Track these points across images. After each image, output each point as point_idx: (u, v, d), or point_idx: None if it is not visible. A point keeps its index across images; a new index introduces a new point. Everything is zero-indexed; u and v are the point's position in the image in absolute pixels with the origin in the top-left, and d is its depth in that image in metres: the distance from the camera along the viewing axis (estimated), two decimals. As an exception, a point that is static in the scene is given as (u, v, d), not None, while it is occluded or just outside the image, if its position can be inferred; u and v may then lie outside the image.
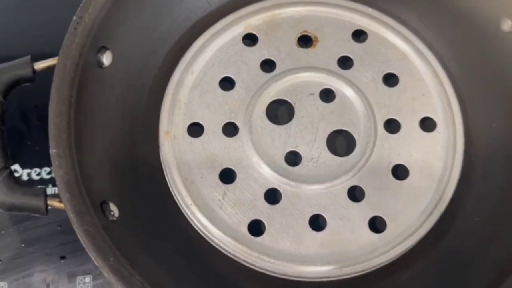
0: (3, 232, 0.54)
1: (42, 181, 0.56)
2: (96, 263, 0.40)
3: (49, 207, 0.43)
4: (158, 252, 0.46)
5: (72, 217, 0.40)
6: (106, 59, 0.48)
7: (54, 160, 0.41)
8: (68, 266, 0.53)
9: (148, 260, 0.44)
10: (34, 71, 0.45)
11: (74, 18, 0.45)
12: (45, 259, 0.53)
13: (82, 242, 0.40)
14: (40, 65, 0.45)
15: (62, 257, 0.53)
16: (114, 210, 0.45)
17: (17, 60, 0.45)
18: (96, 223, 0.41)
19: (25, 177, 0.56)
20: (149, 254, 0.45)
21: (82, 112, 0.44)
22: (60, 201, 0.42)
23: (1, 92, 0.44)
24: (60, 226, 0.54)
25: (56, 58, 0.45)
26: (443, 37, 0.54)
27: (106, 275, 0.39)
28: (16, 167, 0.56)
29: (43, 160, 0.56)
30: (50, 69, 0.45)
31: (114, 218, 0.45)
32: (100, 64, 0.48)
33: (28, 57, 0.45)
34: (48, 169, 0.56)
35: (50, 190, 0.55)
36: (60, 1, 0.62)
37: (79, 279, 0.52)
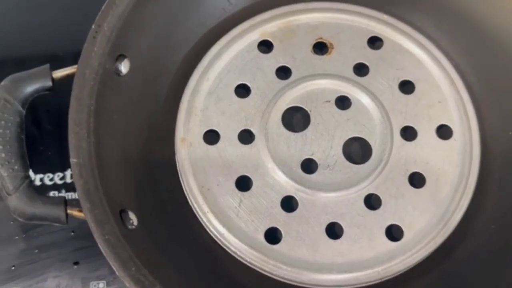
0: (17, 237, 0.54)
1: (55, 187, 0.56)
2: (117, 273, 0.40)
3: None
4: (176, 260, 0.46)
5: (93, 226, 0.40)
6: (124, 67, 0.48)
7: (74, 169, 0.42)
8: (82, 271, 0.53)
9: (167, 268, 0.44)
10: (53, 79, 0.45)
11: (93, 27, 0.45)
12: (59, 264, 0.53)
13: (103, 252, 0.40)
14: (59, 73, 0.45)
15: (76, 263, 0.53)
16: (133, 218, 0.45)
17: (36, 69, 0.45)
18: (116, 232, 0.41)
19: (38, 182, 0.56)
20: (167, 262, 0.45)
21: (101, 120, 0.45)
22: (80, 210, 0.42)
23: (21, 101, 0.44)
24: (73, 232, 0.54)
25: (75, 66, 0.45)
26: (459, 44, 0.54)
27: (127, 284, 0.39)
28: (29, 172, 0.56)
29: (56, 166, 0.56)
30: (68, 77, 0.45)
31: (133, 227, 0.45)
32: (118, 72, 0.48)
33: (47, 65, 0.45)
34: (61, 174, 0.56)
35: (63, 195, 0.55)
36: (72, 3, 0.62)
37: (92, 284, 0.52)
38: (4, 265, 0.52)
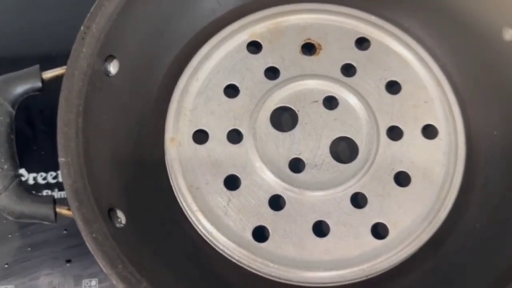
0: (10, 236, 0.54)
1: (48, 185, 0.56)
2: (104, 270, 0.40)
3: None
4: (164, 258, 0.47)
5: (80, 225, 0.41)
6: (113, 67, 0.48)
7: (62, 168, 0.42)
8: (74, 269, 0.53)
9: (155, 266, 0.45)
10: (42, 80, 0.45)
11: (82, 28, 0.45)
12: (51, 262, 0.53)
13: (90, 249, 0.41)
14: (48, 74, 0.46)
15: (68, 261, 0.53)
16: (121, 217, 0.45)
17: (26, 70, 0.45)
18: (104, 230, 0.42)
19: (31, 181, 0.56)
20: (155, 260, 0.46)
21: (90, 120, 0.45)
22: (69, 209, 0.42)
23: (11, 102, 0.44)
24: (66, 230, 0.54)
25: (64, 67, 0.45)
26: (445, 45, 0.55)
27: (114, 282, 0.40)
28: (22, 171, 0.56)
29: (49, 165, 0.57)
30: (58, 78, 0.46)
31: (122, 225, 0.45)
32: (107, 73, 0.48)
33: (37, 66, 0.46)
34: (54, 174, 0.57)
35: (56, 194, 0.56)
36: (66, 3, 0.63)
37: (84, 282, 0.53)
38: (-2, 263, 0.53)
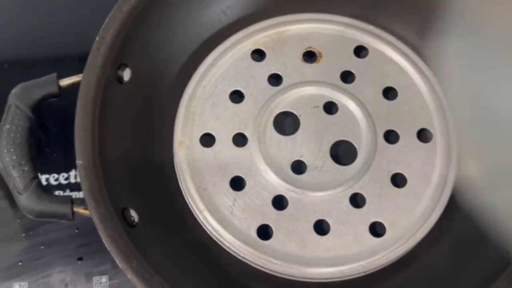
0: (23, 235, 0.55)
1: (60, 186, 0.57)
2: (120, 265, 0.42)
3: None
4: (174, 254, 0.49)
5: (97, 223, 0.43)
6: (126, 75, 0.50)
7: (80, 170, 0.44)
8: (85, 267, 0.54)
9: (165, 262, 0.46)
10: (59, 87, 0.47)
11: (97, 38, 0.47)
12: (64, 260, 0.54)
13: (107, 246, 0.42)
14: (65, 81, 0.47)
15: (80, 259, 0.54)
16: (134, 216, 0.47)
17: (44, 78, 0.47)
18: (119, 228, 0.43)
19: (44, 182, 0.57)
20: (166, 257, 0.47)
21: (105, 125, 0.47)
22: (85, 208, 0.44)
23: (30, 107, 0.46)
24: (77, 229, 0.55)
25: (80, 75, 0.47)
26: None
27: (129, 276, 0.42)
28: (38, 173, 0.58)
29: (61, 166, 0.58)
30: (74, 84, 0.48)
31: (135, 224, 0.47)
32: (120, 80, 0.50)
33: (55, 74, 0.48)
34: (65, 175, 0.58)
35: (68, 194, 0.57)
36: (77, 6, 0.64)
37: (95, 279, 0.54)
38: (12, 261, 0.54)
